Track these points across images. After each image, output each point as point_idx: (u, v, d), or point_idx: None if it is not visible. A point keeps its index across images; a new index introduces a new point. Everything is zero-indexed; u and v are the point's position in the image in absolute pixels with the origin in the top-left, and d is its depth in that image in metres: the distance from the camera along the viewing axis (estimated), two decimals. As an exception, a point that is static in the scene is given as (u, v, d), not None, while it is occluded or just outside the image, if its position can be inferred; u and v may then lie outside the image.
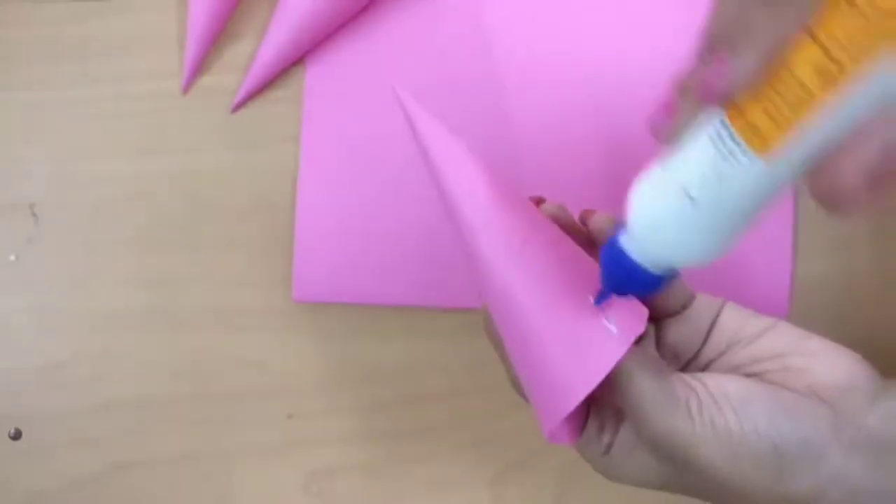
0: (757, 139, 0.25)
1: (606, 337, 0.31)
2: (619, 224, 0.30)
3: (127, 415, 0.46)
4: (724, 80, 0.26)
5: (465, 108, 0.45)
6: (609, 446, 0.34)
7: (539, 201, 0.35)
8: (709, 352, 0.36)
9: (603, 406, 0.34)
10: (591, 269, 0.33)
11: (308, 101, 0.46)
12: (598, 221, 0.35)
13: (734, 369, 0.35)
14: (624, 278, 0.30)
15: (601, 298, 0.31)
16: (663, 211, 0.28)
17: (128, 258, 0.46)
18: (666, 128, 0.28)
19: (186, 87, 0.46)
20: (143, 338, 0.46)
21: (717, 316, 0.36)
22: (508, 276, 0.32)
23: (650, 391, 0.31)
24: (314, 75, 0.46)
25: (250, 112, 0.46)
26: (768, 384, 0.33)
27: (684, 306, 0.36)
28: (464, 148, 0.34)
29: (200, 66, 0.46)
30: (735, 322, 0.35)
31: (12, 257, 0.46)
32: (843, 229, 0.44)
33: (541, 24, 0.45)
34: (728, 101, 0.26)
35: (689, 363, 0.36)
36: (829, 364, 0.33)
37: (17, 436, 0.46)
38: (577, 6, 0.45)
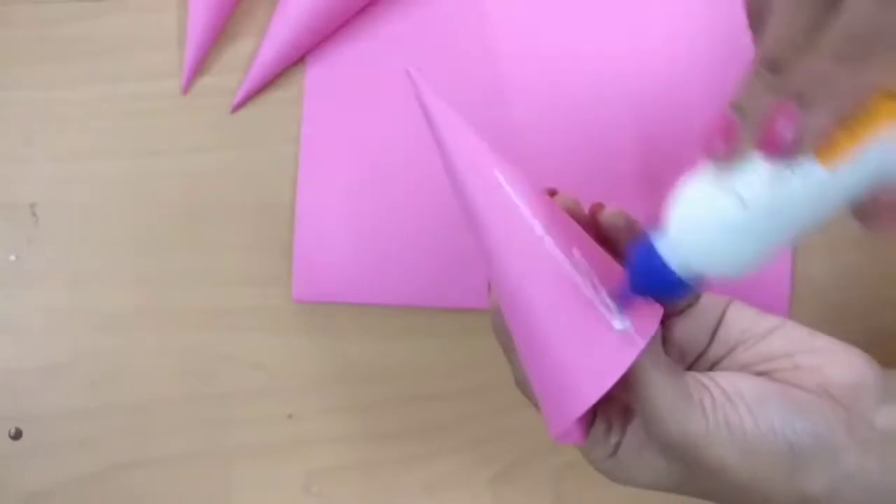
0: (824, 146, 0.25)
1: (621, 336, 0.30)
2: (654, 223, 0.29)
3: (127, 415, 0.46)
4: (793, 134, 0.25)
5: (466, 108, 0.45)
6: (617, 447, 0.34)
7: (552, 193, 0.35)
8: (715, 350, 0.35)
9: (610, 405, 0.34)
10: (607, 264, 0.32)
11: (308, 101, 0.46)
12: (609, 216, 0.34)
13: (742, 368, 0.34)
14: (653, 281, 0.29)
15: (623, 298, 0.30)
16: (710, 211, 0.27)
17: (128, 258, 0.46)
18: (723, 151, 0.27)
19: (187, 88, 0.46)
20: (143, 338, 0.46)
21: (723, 314, 0.35)
22: (523, 270, 0.31)
23: (665, 391, 0.31)
24: (314, 75, 0.46)
25: (250, 112, 0.46)
26: (780, 383, 0.33)
27: (690, 304, 0.35)
28: (479, 137, 0.33)
29: (200, 67, 0.46)
30: (742, 321, 0.35)
31: (13, 257, 0.46)
32: (842, 230, 0.44)
33: (543, 23, 0.45)
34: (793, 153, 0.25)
35: (696, 362, 0.36)
36: (839, 363, 0.33)
37: (17, 435, 0.46)
38: (580, 4, 0.45)
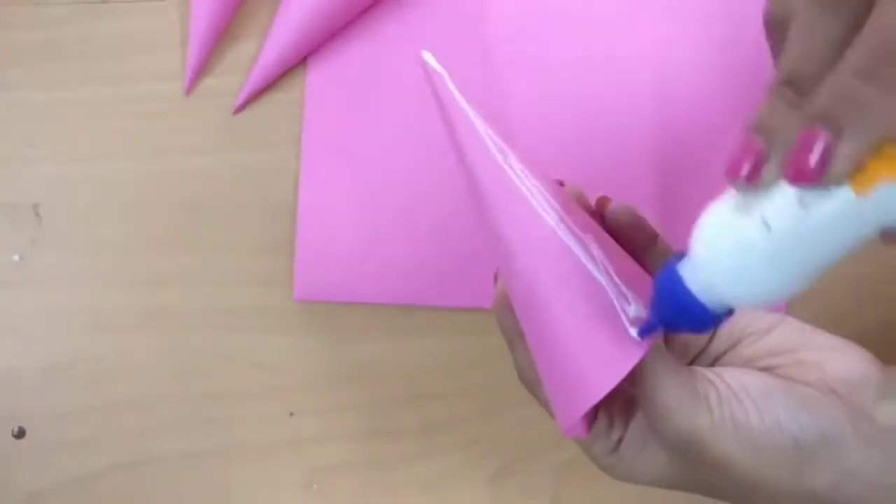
0: (856, 173, 0.24)
1: (629, 330, 0.30)
2: (678, 253, 0.28)
3: (128, 414, 0.46)
4: (824, 163, 0.23)
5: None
6: (619, 442, 0.34)
7: (559, 184, 0.34)
8: (717, 347, 0.35)
9: (612, 400, 0.33)
10: (619, 254, 0.32)
11: (309, 102, 0.46)
12: (615, 210, 0.34)
13: (744, 364, 0.34)
14: (679, 312, 0.28)
15: (648, 330, 0.30)
16: (735, 238, 0.26)
17: (130, 258, 0.46)
18: (749, 177, 0.25)
19: (189, 89, 0.46)
20: (146, 337, 0.46)
21: None
22: (537, 260, 0.31)
23: (672, 386, 0.30)
24: (316, 77, 0.46)
25: (252, 113, 0.47)
26: (783, 378, 0.33)
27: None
28: (492, 127, 0.32)
29: (203, 68, 0.47)
30: (743, 317, 0.35)
31: (16, 257, 0.47)
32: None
33: (544, 30, 0.46)
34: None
35: (697, 358, 0.36)
36: (840, 359, 0.33)
37: (20, 434, 0.46)
38: (580, 14, 0.46)
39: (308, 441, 0.46)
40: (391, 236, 0.45)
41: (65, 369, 0.46)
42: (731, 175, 0.26)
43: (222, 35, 0.47)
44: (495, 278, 0.35)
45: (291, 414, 0.46)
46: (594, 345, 0.30)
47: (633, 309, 0.30)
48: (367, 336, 0.46)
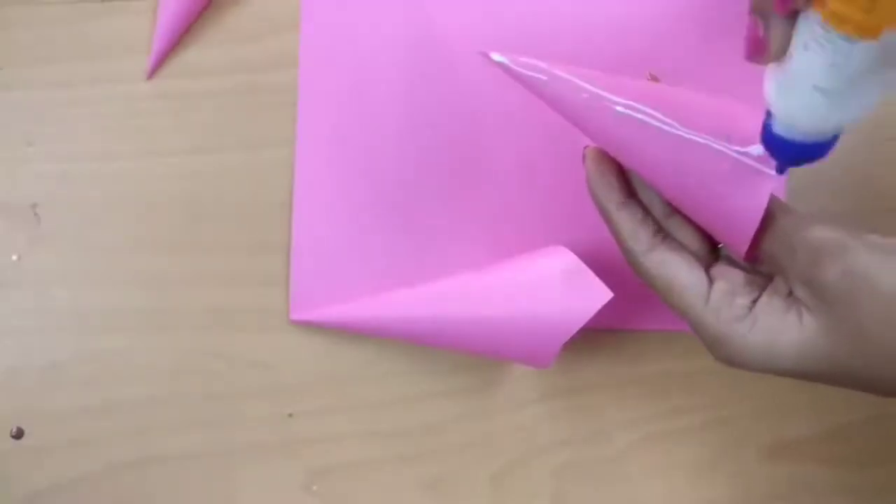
0: (851, 27, 0.28)
1: (759, 162, 0.34)
2: (766, 112, 0.33)
3: (127, 414, 0.46)
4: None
5: (466, 107, 0.46)
6: (752, 305, 0.34)
7: (654, 79, 0.38)
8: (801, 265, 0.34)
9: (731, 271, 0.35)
10: (711, 116, 0.36)
11: (303, 103, 0.46)
12: None
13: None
14: (795, 155, 0.33)
15: (781, 169, 0.34)
16: (802, 108, 0.31)
17: (129, 258, 0.46)
18: (765, 54, 0.30)
19: (152, 72, 0.46)
20: (144, 337, 0.46)
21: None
22: (670, 158, 0.35)
23: (826, 227, 0.32)
24: (308, 77, 0.46)
25: (251, 114, 0.47)
26: None
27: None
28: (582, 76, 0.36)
29: (163, 61, 0.46)
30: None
31: (14, 257, 0.47)
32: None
33: (547, 23, 0.46)
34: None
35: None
36: None
37: (19, 435, 0.46)
38: (578, 13, 0.46)
39: (307, 441, 0.46)
40: (388, 239, 0.45)
41: (64, 369, 0.46)
42: (749, 58, 0.31)
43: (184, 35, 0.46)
44: (584, 157, 0.37)
45: (290, 414, 0.46)
46: (739, 186, 0.35)
47: (755, 149, 0.34)
48: (367, 336, 0.46)
